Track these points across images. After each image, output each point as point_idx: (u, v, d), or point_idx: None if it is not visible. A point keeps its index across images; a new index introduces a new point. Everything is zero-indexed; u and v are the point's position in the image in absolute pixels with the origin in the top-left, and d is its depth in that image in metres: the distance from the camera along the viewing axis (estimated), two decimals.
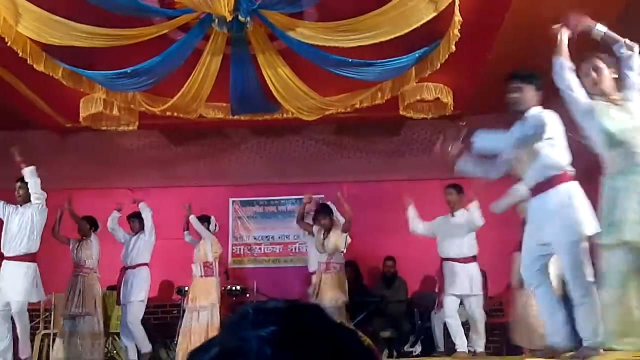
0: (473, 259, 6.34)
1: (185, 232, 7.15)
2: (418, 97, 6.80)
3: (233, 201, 8.69)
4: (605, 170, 3.41)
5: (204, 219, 7.03)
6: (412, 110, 7.13)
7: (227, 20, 5.23)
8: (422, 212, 7.86)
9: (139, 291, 6.94)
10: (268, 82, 6.14)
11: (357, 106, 6.82)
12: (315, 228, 6.75)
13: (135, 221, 7.16)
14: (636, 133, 3.28)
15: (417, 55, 5.76)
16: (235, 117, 7.05)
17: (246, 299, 7.77)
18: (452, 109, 7.08)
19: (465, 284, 6.20)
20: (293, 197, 8.48)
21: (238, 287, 7.60)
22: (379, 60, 5.83)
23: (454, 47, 5.44)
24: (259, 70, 6.04)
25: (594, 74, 3.45)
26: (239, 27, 5.41)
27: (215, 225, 7.19)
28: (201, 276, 6.84)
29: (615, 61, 3.47)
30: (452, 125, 8.12)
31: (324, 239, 6.56)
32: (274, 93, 6.27)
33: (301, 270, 7.70)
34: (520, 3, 5.14)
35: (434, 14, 4.97)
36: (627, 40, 3.41)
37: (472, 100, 7.29)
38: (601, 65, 3.45)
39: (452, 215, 6.39)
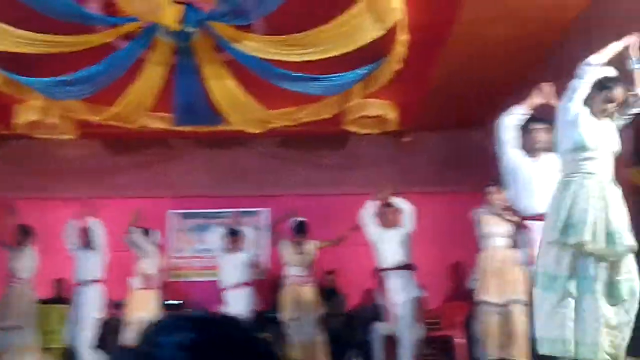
0: (408, 267, 6.53)
1: (127, 236, 7.00)
2: (362, 113, 6.89)
3: (174, 213, 8.55)
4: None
5: (145, 232, 6.94)
6: (356, 125, 7.21)
7: (173, 31, 5.17)
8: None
9: (94, 308, 6.73)
10: (213, 93, 6.08)
11: (303, 120, 6.84)
12: (283, 242, 6.87)
13: (86, 237, 6.94)
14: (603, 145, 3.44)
15: (362, 71, 5.83)
16: (179, 128, 6.95)
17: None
18: (396, 125, 7.20)
19: (406, 289, 6.39)
20: (236, 210, 8.41)
21: (176, 302, 7.49)
22: (324, 75, 5.87)
23: (399, 65, 5.53)
24: (204, 81, 5.98)
25: (610, 105, 3.50)
26: (185, 37, 5.35)
27: (157, 238, 7.15)
28: (141, 289, 6.75)
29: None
30: (396, 140, 8.32)
31: (299, 253, 6.76)
32: (219, 105, 6.21)
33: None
34: (463, 22, 5.28)
35: (381, 33, 5.04)
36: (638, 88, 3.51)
37: (417, 117, 7.45)
38: (620, 99, 3.52)
39: (389, 229, 6.54)
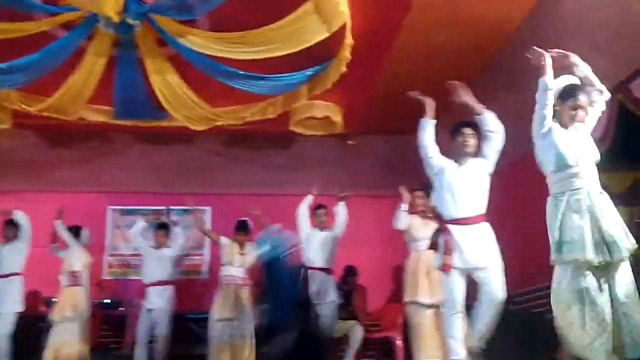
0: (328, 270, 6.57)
1: (52, 245, 6.82)
2: (308, 115, 6.87)
3: (112, 209, 8.33)
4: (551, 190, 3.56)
5: (74, 229, 6.75)
6: (302, 126, 7.19)
7: (114, 22, 5.01)
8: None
9: (14, 302, 6.50)
10: (155, 88, 5.93)
11: (248, 119, 6.76)
12: (225, 240, 6.72)
13: (10, 229, 6.71)
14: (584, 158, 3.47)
15: (308, 73, 5.81)
16: (119, 121, 6.75)
17: (121, 312, 7.44)
18: (341, 127, 7.20)
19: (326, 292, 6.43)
20: (178, 207, 8.25)
21: (112, 300, 7.29)
22: (271, 75, 5.82)
23: (344, 68, 5.54)
24: (146, 75, 5.82)
25: (579, 112, 3.55)
26: (127, 29, 5.19)
27: (87, 238, 6.98)
28: (68, 286, 6.57)
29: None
30: (341, 143, 8.32)
31: (241, 253, 6.64)
32: (161, 100, 6.07)
33: (181, 283, 7.47)
34: (409, 29, 5.33)
35: (326, 35, 5.03)
36: (599, 85, 3.57)
37: (361, 121, 7.47)
38: (586, 105, 3.56)
39: (321, 230, 6.59)
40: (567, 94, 3.58)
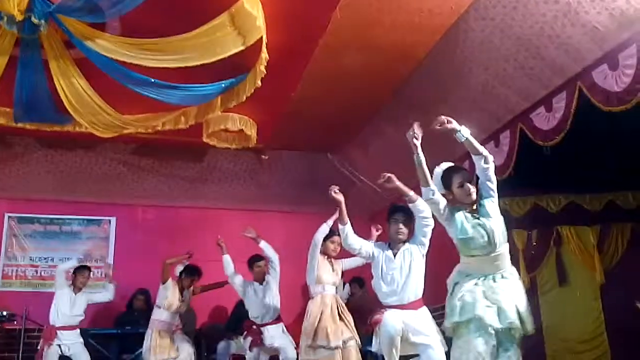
0: None
1: None
2: (222, 127, 6.79)
3: (9, 217, 7.89)
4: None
5: None
6: (215, 138, 7.07)
7: (18, 20, 4.74)
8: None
9: None
10: (60, 91, 5.65)
11: (159, 128, 6.58)
12: (171, 284, 6.69)
13: None
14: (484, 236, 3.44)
15: (223, 85, 5.72)
16: (20, 124, 6.39)
17: (14, 326, 7.03)
18: (255, 141, 7.16)
19: None
20: (81, 217, 7.92)
21: (4, 313, 6.86)
22: (183, 85, 5.68)
23: (259, 83, 5.52)
24: (50, 77, 5.54)
25: (465, 188, 3.50)
26: (32, 29, 4.92)
27: None
28: None
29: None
30: (254, 157, 8.27)
31: (182, 300, 6.76)
32: (66, 104, 5.77)
33: None
34: (324, 49, 5.40)
35: (242, 48, 4.98)
36: (485, 152, 3.45)
37: (275, 136, 7.47)
38: (468, 181, 3.53)
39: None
40: (448, 179, 3.57)
